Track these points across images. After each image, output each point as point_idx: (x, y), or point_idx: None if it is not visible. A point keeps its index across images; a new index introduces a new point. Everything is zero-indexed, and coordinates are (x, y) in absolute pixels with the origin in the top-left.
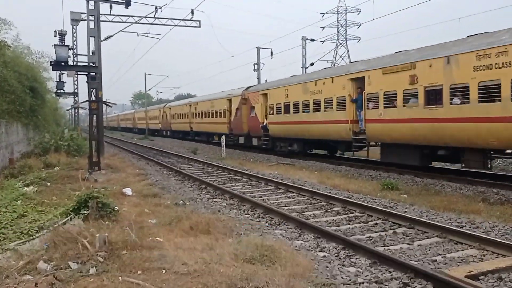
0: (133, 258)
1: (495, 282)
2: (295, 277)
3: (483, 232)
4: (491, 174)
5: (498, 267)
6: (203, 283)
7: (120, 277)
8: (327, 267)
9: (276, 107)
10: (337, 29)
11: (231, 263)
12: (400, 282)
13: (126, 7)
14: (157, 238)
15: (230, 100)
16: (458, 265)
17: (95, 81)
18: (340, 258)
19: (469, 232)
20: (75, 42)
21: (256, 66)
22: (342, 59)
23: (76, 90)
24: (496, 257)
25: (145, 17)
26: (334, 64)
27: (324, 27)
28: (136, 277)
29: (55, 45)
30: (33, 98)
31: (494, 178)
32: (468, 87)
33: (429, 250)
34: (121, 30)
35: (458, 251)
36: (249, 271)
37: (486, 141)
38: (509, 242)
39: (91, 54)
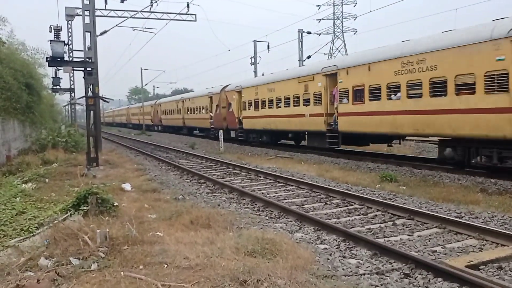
0: (134, 253)
1: (495, 271)
2: (297, 269)
3: (482, 222)
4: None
5: (498, 257)
6: (205, 277)
7: (122, 272)
8: (328, 259)
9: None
10: (334, 22)
11: (233, 256)
12: (401, 273)
13: (122, 2)
14: (158, 233)
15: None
16: (458, 255)
17: (91, 77)
18: (341, 250)
19: (468, 222)
20: (70, 38)
21: (252, 59)
22: (339, 51)
23: (72, 86)
24: (496, 247)
25: (141, 11)
26: (330, 57)
27: (320, 20)
28: (137, 272)
29: (50, 40)
30: (29, 95)
31: (492, 169)
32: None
33: (429, 241)
34: (116, 25)
35: (458, 241)
36: (250, 264)
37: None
38: (508, 232)
39: (87, 49)
